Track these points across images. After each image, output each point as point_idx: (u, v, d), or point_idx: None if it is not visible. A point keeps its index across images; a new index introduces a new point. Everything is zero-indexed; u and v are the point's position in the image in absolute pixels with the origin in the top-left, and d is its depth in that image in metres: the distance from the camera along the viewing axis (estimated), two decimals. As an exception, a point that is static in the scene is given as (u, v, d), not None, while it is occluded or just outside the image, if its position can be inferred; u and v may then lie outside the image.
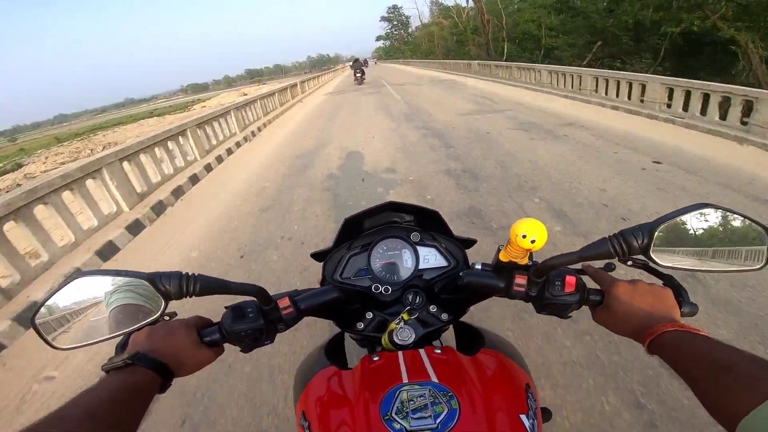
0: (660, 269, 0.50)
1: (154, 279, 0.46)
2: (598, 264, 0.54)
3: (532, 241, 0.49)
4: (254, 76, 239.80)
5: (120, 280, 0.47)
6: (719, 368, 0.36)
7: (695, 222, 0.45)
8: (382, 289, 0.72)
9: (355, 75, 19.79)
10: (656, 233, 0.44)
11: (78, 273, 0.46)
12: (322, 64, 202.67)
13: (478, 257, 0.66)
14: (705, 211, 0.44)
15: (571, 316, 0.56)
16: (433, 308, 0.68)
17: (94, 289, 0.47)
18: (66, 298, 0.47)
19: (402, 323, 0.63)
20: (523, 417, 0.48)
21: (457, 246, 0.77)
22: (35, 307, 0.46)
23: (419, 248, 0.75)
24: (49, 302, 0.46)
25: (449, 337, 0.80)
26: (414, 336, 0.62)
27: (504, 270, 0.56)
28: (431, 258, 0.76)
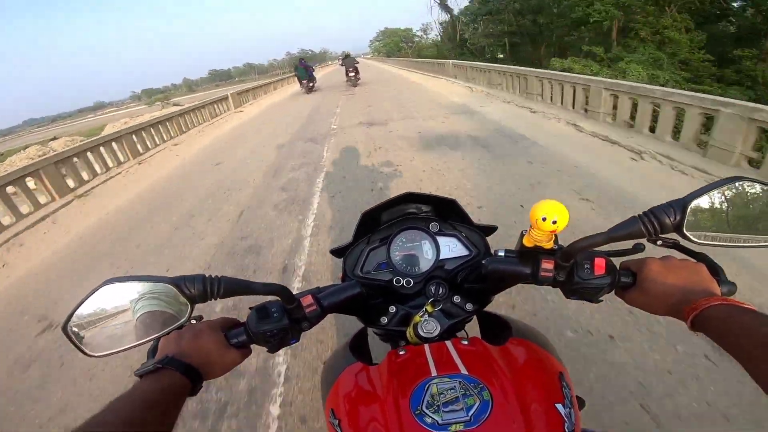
0: (693, 247, 0.49)
1: (179, 283, 0.46)
2: (627, 244, 0.53)
3: (554, 222, 0.49)
4: (222, 77, 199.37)
5: (145, 285, 0.47)
6: None
7: (728, 196, 0.44)
8: (403, 281, 0.71)
9: (347, 74, 16.20)
10: (689, 209, 0.43)
11: (106, 281, 0.46)
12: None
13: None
14: (738, 184, 0.44)
15: (602, 300, 0.55)
16: (456, 299, 0.68)
17: (122, 295, 0.47)
18: (95, 306, 0.46)
19: (426, 315, 0.62)
20: (558, 406, 0.48)
21: (477, 234, 0.76)
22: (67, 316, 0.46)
23: (439, 238, 0.75)
24: (78, 310, 0.46)
25: (473, 328, 0.80)
26: (439, 328, 0.62)
27: (529, 255, 0.55)
28: (452, 247, 0.75)
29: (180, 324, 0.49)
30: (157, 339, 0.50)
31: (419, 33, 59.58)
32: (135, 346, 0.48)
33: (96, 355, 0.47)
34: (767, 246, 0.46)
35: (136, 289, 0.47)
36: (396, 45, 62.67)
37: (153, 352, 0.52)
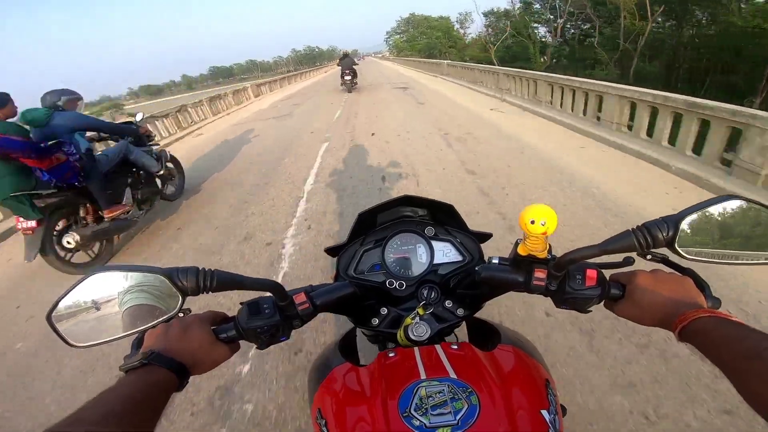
0: (683, 263, 0.50)
1: (172, 274, 0.45)
2: (617, 257, 0.54)
3: (543, 224, 0.49)
4: (223, 74, 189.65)
5: (135, 276, 0.46)
6: (752, 354, 0.36)
7: (720, 214, 0.45)
8: (396, 284, 0.71)
9: (342, 77, 13.23)
10: (681, 225, 0.44)
11: (93, 269, 0.45)
12: (311, 60, 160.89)
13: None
14: (731, 203, 0.44)
15: (591, 310, 0.56)
16: (448, 303, 0.68)
17: (110, 285, 0.46)
18: (81, 295, 0.46)
19: (417, 318, 0.63)
20: (543, 413, 0.48)
21: (472, 240, 0.77)
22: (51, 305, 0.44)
23: (434, 243, 0.75)
24: (65, 300, 0.45)
25: (462, 333, 0.80)
26: (429, 331, 0.62)
27: (522, 264, 0.56)
28: (446, 252, 0.75)
29: (171, 316, 0.48)
30: (144, 331, 0.50)
31: (454, 25, 44.50)
32: (121, 338, 0.48)
33: (79, 345, 0.47)
34: (755, 264, 0.46)
35: (125, 280, 0.46)
36: (448, 35, 38.53)
37: (138, 343, 0.51)
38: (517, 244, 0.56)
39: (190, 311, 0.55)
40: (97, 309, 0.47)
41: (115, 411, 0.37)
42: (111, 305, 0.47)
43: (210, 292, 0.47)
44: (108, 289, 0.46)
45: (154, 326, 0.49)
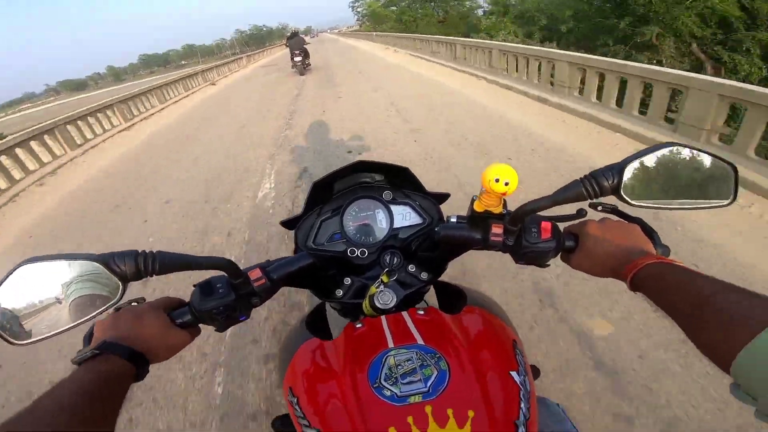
0: (629, 211, 0.52)
1: (107, 260, 0.42)
2: (570, 210, 0.55)
3: (506, 184, 0.50)
4: (158, 62, 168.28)
5: (72, 264, 0.43)
6: (701, 300, 0.36)
7: (662, 161, 0.46)
8: (357, 252, 0.70)
9: (292, 59, 11.82)
10: (625, 172, 0.45)
11: (23, 261, 0.41)
12: (259, 40, 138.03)
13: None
14: (672, 149, 0.46)
15: (549, 265, 0.57)
16: (411, 268, 0.68)
17: (44, 276, 0.43)
18: (13, 290, 0.42)
19: (382, 286, 0.62)
20: (513, 374, 0.49)
21: (430, 202, 0.76)
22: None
23: (392, 207, 0.74)
24: None
25: (432, 300, 0.80)
26: (395, 298, 0.61)
27: (479, 221, 0.56)
28: (405, 216, 0.75)
29: (114, 304, 0.45)
30: (92, 323, 0.47)
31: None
32: (68, 329, 0.45)
33: (22, 342, 0.43)
34: (696, 208, 0.48)
35: (60, 267, 0.43)
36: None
37: (88, 338, 0.49)
38: (473, 201, 0.56)
39: (145, 300, 0.53)
40: (36, 301, 0.43)
41: (68, 403, 0.35)
42: (52, 297, 0.44)
43: (153, 276, 0.44)
44: (46, 280, 0.43)
45: (100, 313, 0.46)
